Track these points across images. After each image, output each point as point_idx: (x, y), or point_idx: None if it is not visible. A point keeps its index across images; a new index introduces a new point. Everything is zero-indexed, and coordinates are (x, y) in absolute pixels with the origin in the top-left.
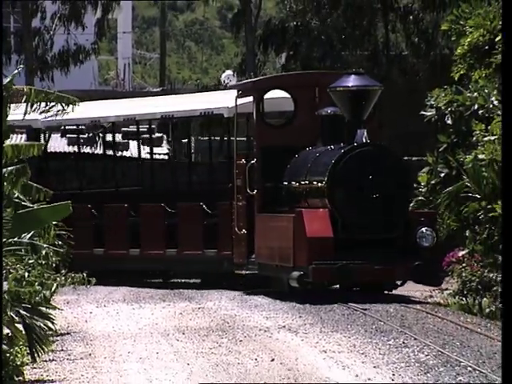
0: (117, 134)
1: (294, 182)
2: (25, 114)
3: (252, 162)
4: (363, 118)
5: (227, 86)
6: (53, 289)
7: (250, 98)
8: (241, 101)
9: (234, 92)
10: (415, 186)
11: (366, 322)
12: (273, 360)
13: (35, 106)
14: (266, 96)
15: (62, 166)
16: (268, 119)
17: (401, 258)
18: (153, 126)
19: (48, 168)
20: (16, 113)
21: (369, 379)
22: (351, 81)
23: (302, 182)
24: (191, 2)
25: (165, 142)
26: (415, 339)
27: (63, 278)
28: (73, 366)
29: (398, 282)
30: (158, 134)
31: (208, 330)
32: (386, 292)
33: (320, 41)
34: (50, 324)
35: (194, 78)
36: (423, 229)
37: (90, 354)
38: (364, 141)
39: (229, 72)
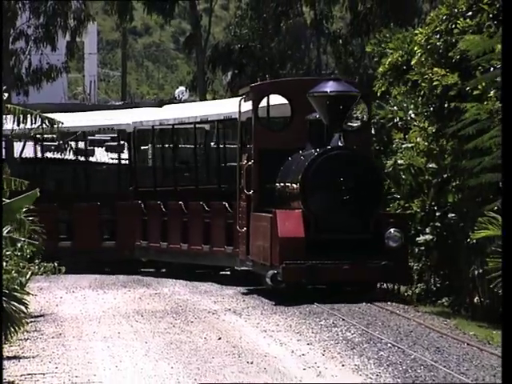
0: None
1: (282, 184)
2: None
3: (249, 163)
4: (341, 122)
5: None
6: (27, 276)
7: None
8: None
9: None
10: None
11: (301, 305)
12: (220, 338)
13: (21, 124)
14: (275, 102)
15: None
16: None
17: (370, 258)
18: (115, 135)
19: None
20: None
21: (303, 354)
22: (329, 86)
23: (287, 184)
24: (149, 27)
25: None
26: (343, 320)
27: (37, 267)
28: (45, 345)
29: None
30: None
31: (163, 313)
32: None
33: (261, 61)
34: (23, 308)
35: (151, 93)
36: (391, 229)
37: (60, 334)
38: (340, 144)
39: (182, 88)
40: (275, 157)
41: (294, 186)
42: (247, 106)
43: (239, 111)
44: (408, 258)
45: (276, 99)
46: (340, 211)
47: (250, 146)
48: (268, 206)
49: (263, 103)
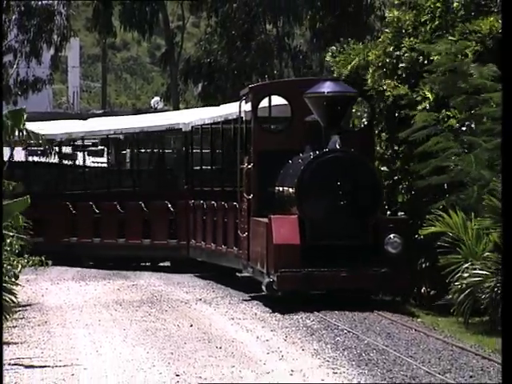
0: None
1: (281, 188)
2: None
3: (249, 166)
4: (338, 124)
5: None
6: (18, 269)
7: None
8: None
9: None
10: None
11: (265, 296)
12: (191, 326)
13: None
14: (278, 102)
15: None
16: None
17: (369, 266)
18: (96, 141)
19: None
20: None
21: (267, 340)
22: (326, 87)
23: (285, 188)
24: (127, 43)
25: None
26: (303, 308)
27: (25, 260)
28: (31, 331)
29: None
30: (100, 147)
31: (140, 302)
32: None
33: (229, 73)
34: (13, 298)
35: (129, 102)
36: (391, 235)
37: (45, 322)
38: (337, 147)
39: (157, 98)
40: (276, 159)
41: (291, 190)
42: (248, 107)
43: (239, 112)
44: (409, 265)
45: (277, 100)
46: (337, 216)
47: (250, 149)
48: (268, 210)
49: (264, 103)
